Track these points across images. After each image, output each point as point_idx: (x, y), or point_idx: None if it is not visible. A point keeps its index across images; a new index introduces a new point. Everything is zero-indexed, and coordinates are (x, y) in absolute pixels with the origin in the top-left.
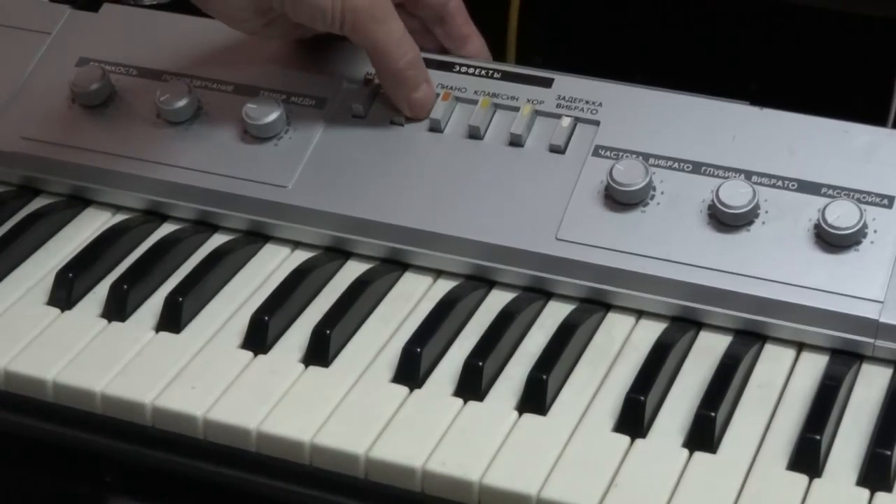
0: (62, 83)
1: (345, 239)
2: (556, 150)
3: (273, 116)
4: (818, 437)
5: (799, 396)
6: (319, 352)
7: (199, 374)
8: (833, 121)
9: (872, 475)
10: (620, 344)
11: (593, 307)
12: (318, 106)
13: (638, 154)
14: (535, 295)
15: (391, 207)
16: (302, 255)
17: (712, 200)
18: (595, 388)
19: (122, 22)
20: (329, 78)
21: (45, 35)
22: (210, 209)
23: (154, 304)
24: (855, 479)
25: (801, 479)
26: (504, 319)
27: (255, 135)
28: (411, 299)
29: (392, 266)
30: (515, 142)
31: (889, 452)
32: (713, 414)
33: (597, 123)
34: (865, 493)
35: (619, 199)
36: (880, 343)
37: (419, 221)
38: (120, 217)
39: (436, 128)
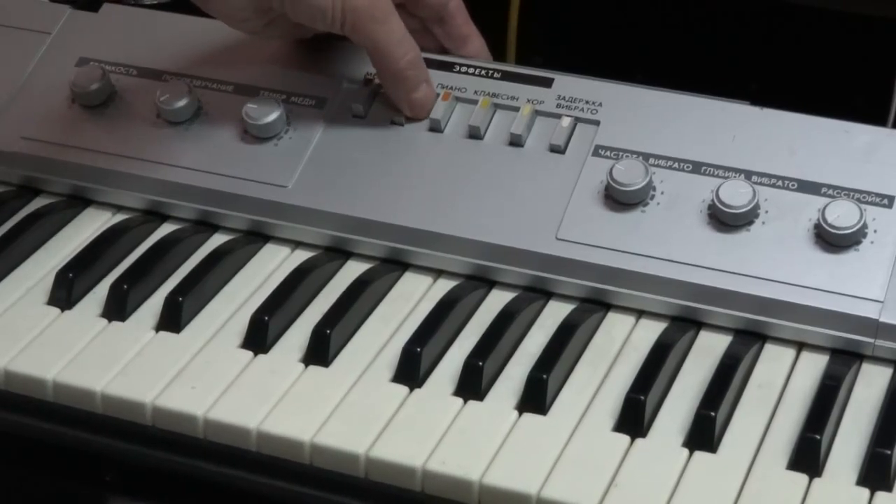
0: (62, 83)
1: (345, 239)
2: (556, 150)
3: (273, 116)
4: (818, 437)
5: (799, 396)
6: (319, 352)
7: (200, 373)
8: (833, 121)
9: (872, 475)
10: (620, 344)
11: (593, 307)
12: (318, 106)
13: (638, 154)
14: (535, 295)
15: (391, 207)
16: (302, 255)
17: (712, 200)
18: (595, 387)
19: (122, 22)
20: (329, 78)
21: (45, 35)
22: (210, 209)
23: (154, 304)
24: (855, 479)
25: (801, 478)
26: (504, 319)
27: (255, 135)
28: (411, 299)
29: (392, 266)
30: (515, 142)
31: (889, 452)
32: (713, 414)
33: (597, 123)
34: (865, 492)
35: (619, 199)
36: (880, 343)
37: (419, 221)
38: (120, 217)
39: (436, 128)
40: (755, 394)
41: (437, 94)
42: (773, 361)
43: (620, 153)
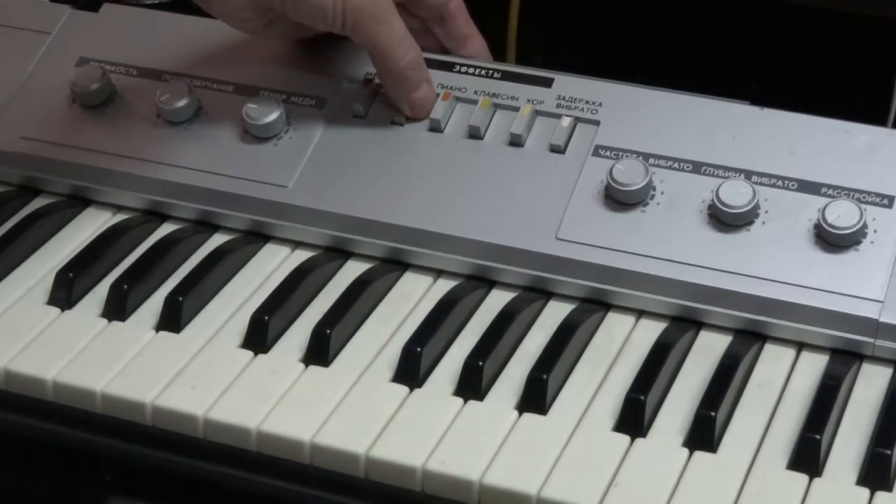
0: (62, 83)
1: (345, 239)
2: (556, 149)
3: (273, 116)
4: (818, 437)
5: (799, 396)
6: (319, 351)
7: (200, 373)
8: (833, 121)
9: (872, 475)
10: (620, 344)
11: (593, 307)
12: (318, 106)
13: (638, 154)
14: (535, 295)
15: (391, 207)
16: (302, 255)
17: (712, 200)
18: (595, 387)
19: (122, 22)
20: (329, 78)
21: (45, 35)
22: (210, 209)
23: (154, 304)
24: (855, 479)
25: (802, 478)
26: (504, 319)
27: (256, 135)
28: (411, 299)
29: (392, 266)
30: (515, 142)
31: (889, 452)
32: (713, 414)
33: (597, 123)
34: (865, 492)
35: (619, 199)
36: (880, 343)
37: (419, 221)
38: (120, 217)
39: (436, 128)
40: (755, 394)
41: (438, 94)
42: (773, 361)
43: (620, 153)
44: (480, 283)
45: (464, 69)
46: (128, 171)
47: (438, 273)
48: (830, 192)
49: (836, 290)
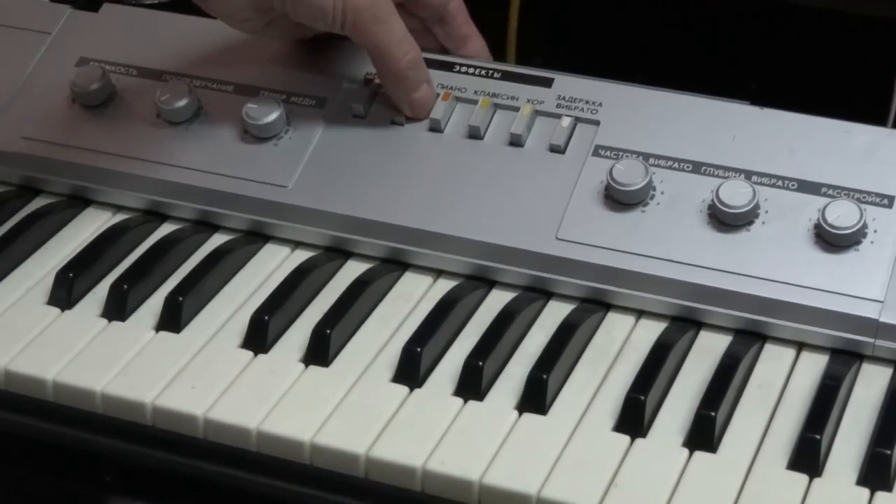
0: (62, 83)
1: (345, 239)
2: (556, 149)
3: (273, 116)
4: (818, 437)
5: (799, 396)
6: (319, 352)
7: (200, 373)
8: (833, 121)
9: (872, 475)
10: (620, 344)
11: (593, 307)
12: (318, 106)
13: (638, 154)
14: (535, 295)
15: (391, 207)
16: (302, 255)
17: (712, 200)
18: (595, 387)
19: (122, 22)
20: (329, 78)
21: (45, 35)
22: (210, 209)
23: (154, 304)
24: (855, 479)
25: (802, 478)
26: (504, 319)
27: (255, 135)
28: (411, 299)
29: (392, 266)
30: (515, 142)
31: (889, 452)
32: (713, 414)
33: (597, 123)
34: (865, 492)
35: (619, 199)
36: (880, 343)
37: (419, 221)
38: (120, 217)
39: (436, 128)
40: (755, 394)
41: (437, 94)
42: (773, 361)
43: (620, 153)
44: (480, 283)
45: (464, 69)
46: (128, 171)
47: (438, 273)
48: (830, 192)
49: (836, 290)
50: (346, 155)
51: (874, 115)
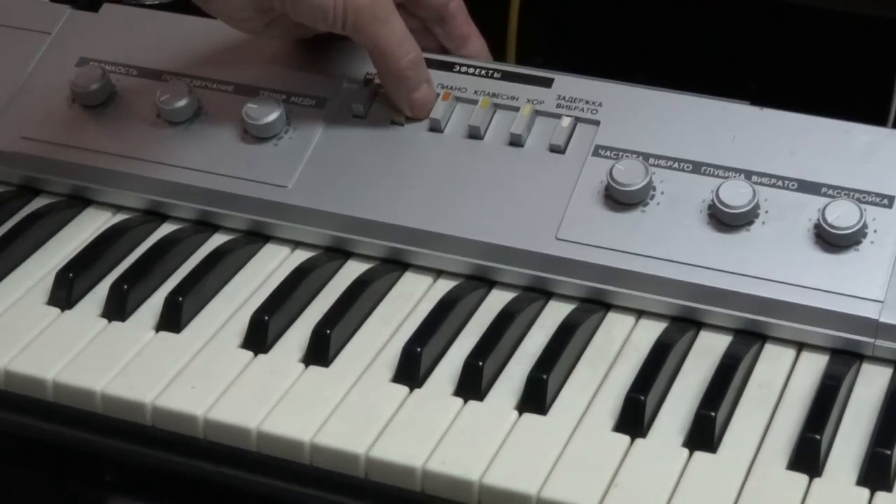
0: (62, 83)
1: (345, 239)
2: (556, 150)
3: (273, 116)
4: (818, 437)
5: (799, 396)
6: (319, 352)
7: (199, 373)
8: (833, 121)
9: (872, 475)
10: (620, 344)
11: (593, 307)
12: (318, 106)
13: (638, 154)
14: (535, 295)
15: (391, 207)
16: (302, 255)
17: (712, 200)
18: (595, 387)
19: (122, 22)
20: (329, 78)
21: (45, 35)
22: (210, 209)
23: (154, 304)
24: (855, 479)
25: (801, 478)
26: (504, 319)
27: (255, 135)
28: (411, 299)
29: (392, 266)
30: (515, 142)
31: (889, 452)
32: (713, 414)
33: (597, 123)
34: (865, 492)
35: (619, 199)
36: (880, 343)
37: (419, 221)
38: (120, 217)
39: (436, 128)
40: (755, 394)
41: (438, 94)
42: (773, 361)
43: (620, 153)
44: (480, 283)
45: (464, 69)
46: (128, 171)
47: (438, 273)
48: (830, 192)
49: (836, 290)
50: (346, 155)
51: (874, 115)
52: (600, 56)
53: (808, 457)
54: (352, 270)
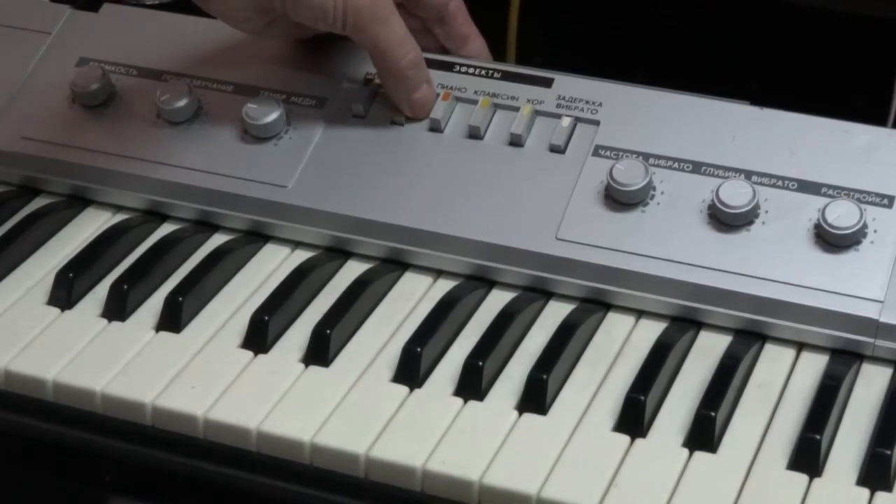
0: (62, 83)
1: (345, 239)
2: (556, 150)
3: (273, 116)
4: (818, 437)
5: (799, 396)
6: (319, 352)
7: (200, 373)
8: (833, 121)
9: (872, 475)
10: (620, 344)
11: (593, 307)
12: (318, 106)
13: (638, 154)
14: (535, 295)
15: (391, 207)
16: (302, 255)
17: (712, 200)
18: (595, 387)
19: (122, 22)
20: (329, 78)
21: (45, 35)
22: (210, 209)
23: (154, 304)
24: (855, 479)
25: (802, 478)
26: (504, 319)
27: (255, 135)
28: (411, 299)
29: (392, 266)
30: (515, 142)
31: (889, 452)
32: (713, 414)
33: (597, 123)
34: (865, 492)
35: (619, 199)
36: (880, 343)
37: (419, 221)
38: (120, 217)
39: (436, 128)
40: (755, 394)
41: (438, 94)
42: (773, 361)
43: (620, 153)
44: (480, 283)
45: (464, 69)
46: (128, 171)
47: (438, 273)
48: (830, 192)
49: (836, 290)
50: (346, 155)
51: (874, 115)
52: (600, 56)
53: (808, 457)
54: (352, 270)
